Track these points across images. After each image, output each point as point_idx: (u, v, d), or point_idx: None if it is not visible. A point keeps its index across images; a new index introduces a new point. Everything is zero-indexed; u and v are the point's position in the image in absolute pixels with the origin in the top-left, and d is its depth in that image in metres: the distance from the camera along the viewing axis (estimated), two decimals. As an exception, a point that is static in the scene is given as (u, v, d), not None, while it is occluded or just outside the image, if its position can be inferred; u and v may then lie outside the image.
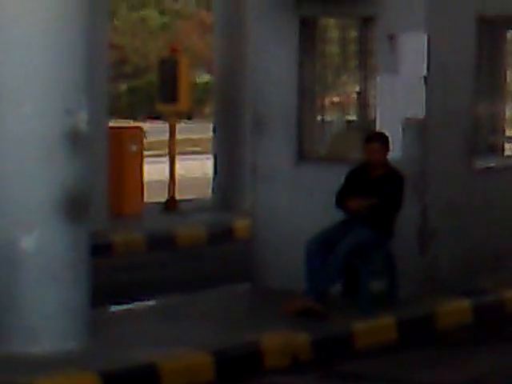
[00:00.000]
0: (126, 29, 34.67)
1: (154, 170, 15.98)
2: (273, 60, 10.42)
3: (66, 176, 8.04)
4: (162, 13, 37.55)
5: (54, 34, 8.07)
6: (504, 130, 11.04)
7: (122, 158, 14.91)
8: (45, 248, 7.99)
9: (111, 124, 16.39)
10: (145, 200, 15.34)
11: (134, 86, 38.08)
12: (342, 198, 9.48)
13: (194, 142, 20.65)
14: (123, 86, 37.87)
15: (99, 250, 12.84)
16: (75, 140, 8.00)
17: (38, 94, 8.04)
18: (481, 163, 10.34)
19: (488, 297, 10.08)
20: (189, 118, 24.44)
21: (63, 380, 7.43)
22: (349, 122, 10.77)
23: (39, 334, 8.02)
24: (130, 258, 13.21)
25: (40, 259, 7.97)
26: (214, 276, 11.27)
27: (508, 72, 11.18)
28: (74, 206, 8.10)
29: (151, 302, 10.12)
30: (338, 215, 9.50)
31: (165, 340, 8.62)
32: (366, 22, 10.15)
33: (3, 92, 8.05)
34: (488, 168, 10.49)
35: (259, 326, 9.09)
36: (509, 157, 11.00)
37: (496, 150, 10.86)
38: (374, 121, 10.02)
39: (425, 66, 9.74)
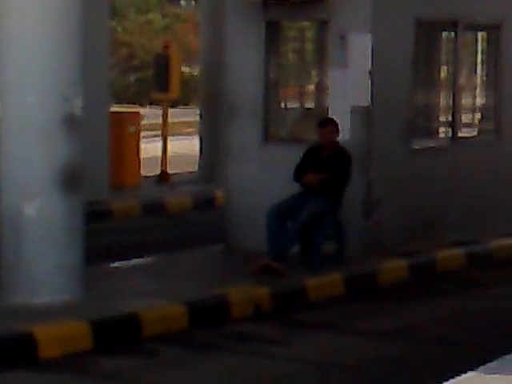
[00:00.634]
0: (134, 29, 35.21)
1: (150, 148, 15.96)
2: (243, 56, 10.45)
3: (63, 154, 8.09)
4: (165, 16, 38.19)
5: (53, 31, 8.14)
6: (438, 116, 11.01)
7: (122, 137, 14.98)
8: (45, 215, 8.08)
9: (114, 109, 16.71)
10: (141, 173, 15.24)
11: (141, 77, 38.35)
12: (298, 174, 9.50)
13: (187, 125, 20.52)
14: (132, 78, 38.31)
15: (101, 215, 12.93)
16: (71, 124, 8.07)
17: (40, 85, 8.06)
18: (418, 144, 10.40)
19: (422, 257, 10.17)
20: (185, 104, 24.36)
21: (58, 327, 7.50)
22: (307, 109, 10.81)
23: (40, 287, 8.09)
24: (126, 223, 13.26)
25: (41, 225, 8.07)
26: (196, 238, 11.28)
27: (442, 67, 11.16)
28: (70, 180, 8.14)
29: (140, 260, 10.13)
30: (296, 187, 9.52)
31: (147, 293, 8.68)
32: (322, 24, 10.21)
33: (8, 83, 8.13)
34: (424, 148, 10.52)
35: (228, 281, 9.13)
36: (442, 139, 10.96)
37: (431, 132, 10.94)
38: (327, 108, 9.98)
39: (369, 61, 9.76)
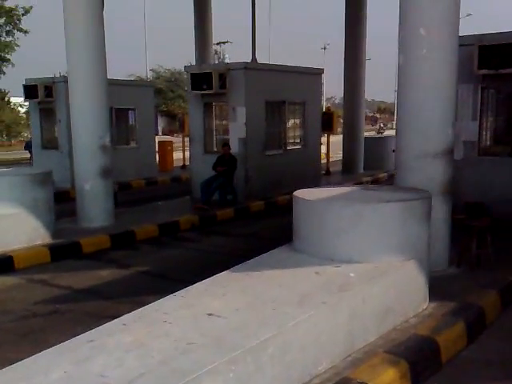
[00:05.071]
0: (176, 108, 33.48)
1: (177, 155, 14.77)
2: (196, 117, 9.40)
3: (102, 162, 7.07)
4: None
5: (95, 104, 6.85)
6: (279, 140, 9.86)
7: (165, 151, 13.83)
8: (93, 188, 7.01)
9: (160, 139, 15.71)
10: (173, 165, 14.14)
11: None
12: (214, 166, 8.53)
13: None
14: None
15: (152, 183, 11.79)
16: (104, 149, 7.10)
17: (89, 131, 7.05)
18: (269, 152, 9.48)
19: (270, 200, 9.23)
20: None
21: (94, 239, 6.48)
22: (224, 139, 9.42)
23: (94, 219, 7.07)
24: (163, 186, 11.97)
25: (92, 192, 7.11)
26: (183, 192, 9.80)
27: (282, 119, 9.81)
28: (104, 173, 7.20)
29: (152, 204, 9.01)
30: (213, 173, 8.48)
31: (144, 221, 7.60)
32: (227, 103, 8.97)
33: (76, 129, 6.90)
34: (271, 154, 9.55)
35: (182, 213, 8.02)
36: (280, 150, 9.86)
37: (275, 147, 9.69)
38: (229, 139, 8.92)
39: (244, 119, 8.74)
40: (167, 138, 21.90)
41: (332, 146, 12.59)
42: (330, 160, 12.54)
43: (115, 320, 2.76)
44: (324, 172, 11.81)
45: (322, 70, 10.33)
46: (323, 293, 3.04)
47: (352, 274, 3.31)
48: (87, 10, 6.41)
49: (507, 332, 3.65)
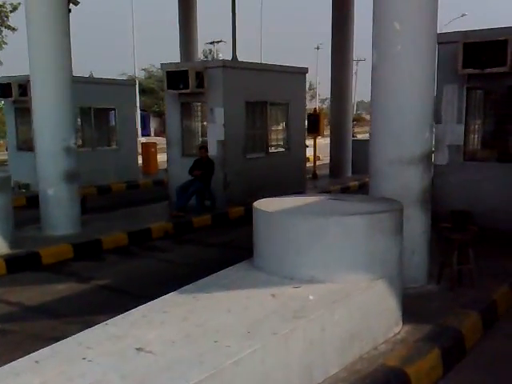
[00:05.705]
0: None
1: (161, 157, 14.31)
2: (173, 118, 8.97)
3: (65, 166, 6.68)
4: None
5: (55, 110, 6.31)
6: (261, 143, 9.42)
7: (148, 153, 13.42)
8: (57, 194, 6.69)
9: (144, 140, 15.26)
10: (158, 167, 13.66)
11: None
12: (191, 170, 8.12)
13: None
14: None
15: (134, 186, 11.39)
16: (68, 151, 6.67)
17: (52, 134, 6.69)
18: (249, 156, 9.04)
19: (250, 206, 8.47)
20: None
21: (54, 248, 6.06)
22: (202, 141, 9.04)
23: (57, 227, 6.66)
24: (144, 190, 11.46)
25: (56, 198, 6.76)
26: (163, 197, 9.29)
27: (262, 121, 9.40)
28: (69, 177, 6.75)
29: (125, 210, 8.39)
30: (189, 177, 8.07)
31: (115, 228, 7.15)
32: (205, 103, 8.57)
33: (40, 130, 6.61)
34: (252, 158, 9.11)
35: (156, 220, 7.58)
36: (261, 153, 9.38)
37: (256, 151, 9.25)
38: (207, 141, 8.53)
39: (223, 120, 8.30)
40: (158, 139, 21.41)
41: (322, 149, 12.27)
42: (319, 163, 12.19)
43: (28, 355, 2.37)
44: (310, 176, 11.44)
45: (307, 69, 9.93)
46: (276, 320, 2.68)
47: (311, 297, 2.95)
48: (50, 3, 6.02)
49: (488, 359, 3.29)
